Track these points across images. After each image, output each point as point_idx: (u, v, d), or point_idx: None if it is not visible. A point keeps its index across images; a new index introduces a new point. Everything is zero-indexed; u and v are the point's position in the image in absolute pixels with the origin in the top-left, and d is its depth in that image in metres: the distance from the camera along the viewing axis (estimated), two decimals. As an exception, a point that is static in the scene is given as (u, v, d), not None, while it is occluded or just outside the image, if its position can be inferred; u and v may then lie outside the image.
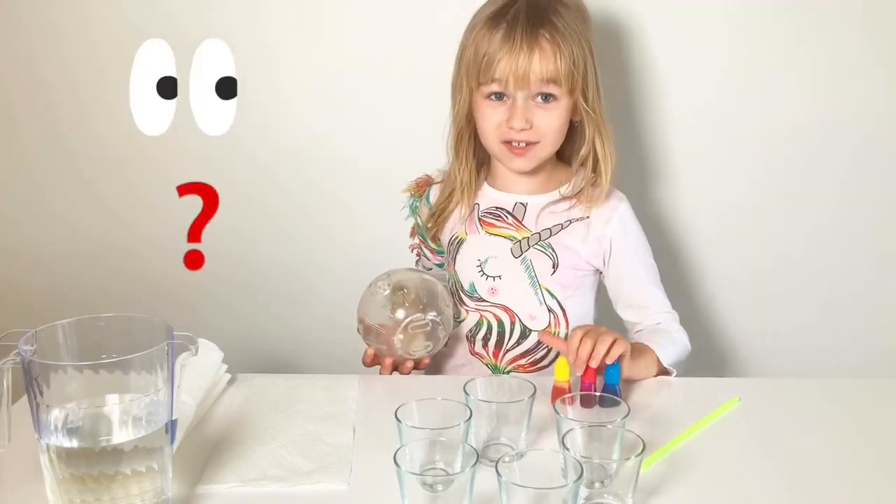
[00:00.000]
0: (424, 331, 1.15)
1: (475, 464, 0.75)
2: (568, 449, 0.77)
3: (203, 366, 1.02)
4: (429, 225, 1.31)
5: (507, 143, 1.18)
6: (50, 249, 1.63)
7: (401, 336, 1.14)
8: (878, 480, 0.87)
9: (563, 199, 1.23)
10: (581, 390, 0.99)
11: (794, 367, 1.57)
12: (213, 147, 1.55)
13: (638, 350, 1.11)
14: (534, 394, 0.89)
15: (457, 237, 1.27)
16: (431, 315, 1.15)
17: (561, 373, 1.00)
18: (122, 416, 0.75)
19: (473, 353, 1.26)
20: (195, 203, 1.58)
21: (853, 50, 1.42)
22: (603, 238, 1.22)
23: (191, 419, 0.96)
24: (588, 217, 1.22)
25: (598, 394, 0.94)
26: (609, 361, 1.01)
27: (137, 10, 1.48)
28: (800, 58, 1.44)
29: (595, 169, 1.21)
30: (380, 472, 0.84)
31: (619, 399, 0.93)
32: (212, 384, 1.04)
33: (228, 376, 1.10)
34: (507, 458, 0.77)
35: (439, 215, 1.29)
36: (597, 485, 0.79)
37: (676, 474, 0.87)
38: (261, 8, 1.47)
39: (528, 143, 1.18)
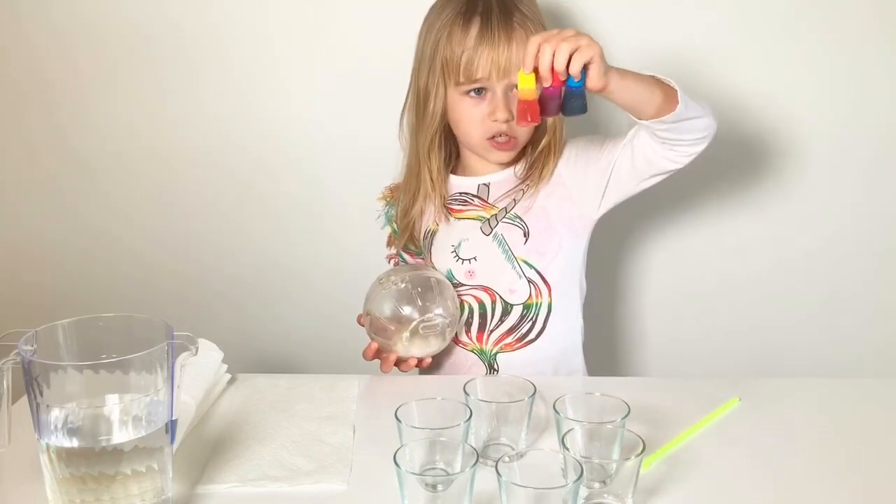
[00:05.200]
0: (434, 331, 1.14)
1: (475, 464, 0.75)
2: (568, 449, 0.77)
3: (203, 366, 1.02)
4: (404, 238, 1.30)
5: (491, 138, 1.19)
6: (50, 249, 1.63)
7: (408, 334, 1.13)
8: (879, 480, 0.87)
9: (521, 180, 1.23)
10: (540, 102, 0.93)
11: (794, 366, 1.57)
12: (215, 147, 1.55)
13: (627, 70, 1.01)
14: (534, 394, 0.89)
15: (429, 230, 1.27)
16: (442, 314, 1.14)
17: (523, 81, 0.91)
18: (122, 416, 0.75)
19: (457, 342, 1.24)
20: (195, 202, 1.58)
21: (860, 51, 1.42)
22: (561, 177, 1.21)
23: (191, 419, 0.96)
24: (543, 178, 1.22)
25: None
26: (574, 71, 0.91)
27: (138, 9, 1.48)
28: (806, 58, 1.44)
29: (548, 153, 1.21)
30: (380, 472, 0.84)
31: (584, 101, 0.90)
32: (212, 384, 1.04)
33: (228, 376, 1.10)
34: (507, 458, 0.77)
35: (410, 223, 1.27)
36: (597, 485, 0.79)
37: (676, 474, 0.87)
38: (261, 7, 1.47)
39: (511, 138, 1.18)
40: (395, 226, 1.33)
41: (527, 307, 1.22)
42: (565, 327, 1.24)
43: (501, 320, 1.22)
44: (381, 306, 1.14)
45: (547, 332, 1.22)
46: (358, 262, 1.57)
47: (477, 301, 1.23)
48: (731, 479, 0.86)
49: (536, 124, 0.98)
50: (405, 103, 1.26)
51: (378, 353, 1.18)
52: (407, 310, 1.13)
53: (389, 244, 1.36)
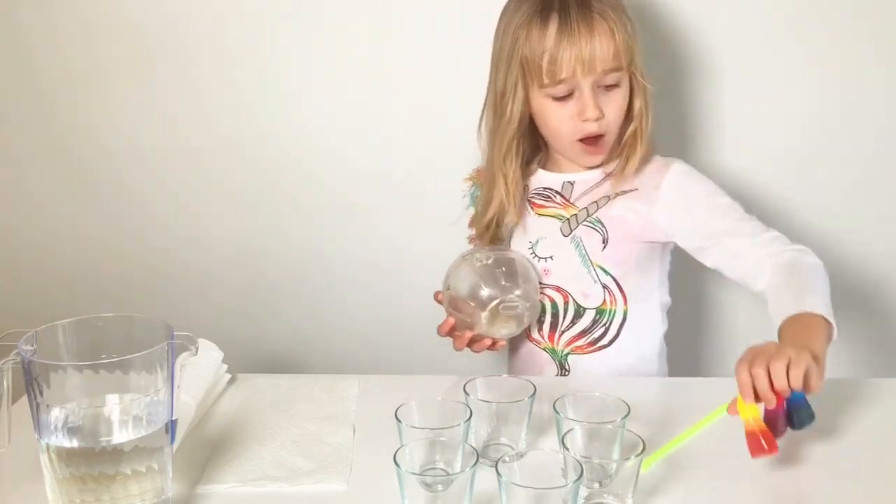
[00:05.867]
0: (514, 313, 1.12)
1: (475, 464, 0.75)
2: (568, 449, 0.77)
3: (203, 366, 1.02)
4: (485, 239, 1.27)
5: (582, 140, 1.16)
6: (50, 250, 1.62)
7: (488, 314, 1.11)
8: (879, 480, 0.87)
9: (607, 176, 1.20)
10: (766, 419, 0.86)
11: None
12: (213, 148, 1.54)
13: (803, 329, 0.95)
14: (534, 394, 0.89)
15: (509, 221, 1.25)
16: (524, 298, 1.12)
17: (745, 411, 0.84)
18: (122, 416, 0.75)
19: (531, 339, 1.23)
20: (195, 203, 1.58)
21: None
22: (654, 205, 1.16)
23: (191, 419, 0.96)
24: (636, 189, 1.18)
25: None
26: (796, 387, 0.84)
27: (140, 10, 1.48)
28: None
29: (634, 142, 1.18)
30: (380, 472, 0.84)
31: (811, 409, 0.85)
32: (212, 384, 1.04)
33: (228, 376, 1.10)
34: (507, 458, 0.77)
35: (487, 225, 1.25)
36: (597, 485, 0.79)
37: (676, 474, 0.87)
38: (272, 8, 1.47)
39: (600, 137, 1.15)
40: (478, 209, 1.30)
41: (600, 312, 1.19)
42: (641, 338, 1.21)
43: (573, 322, 1.20)
44: (463, 283, 1.13)
45: (620, 341, 1.19)
46: (359, 261, 1.57)
47: (550, 300, 1.21)
48: (731, 479, 0.86)
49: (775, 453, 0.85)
50: (485, 104, 1.24)
51: (452, 331, 1.16)
52: (489, 289, 1.11)
53: (471, 225, 1.33)
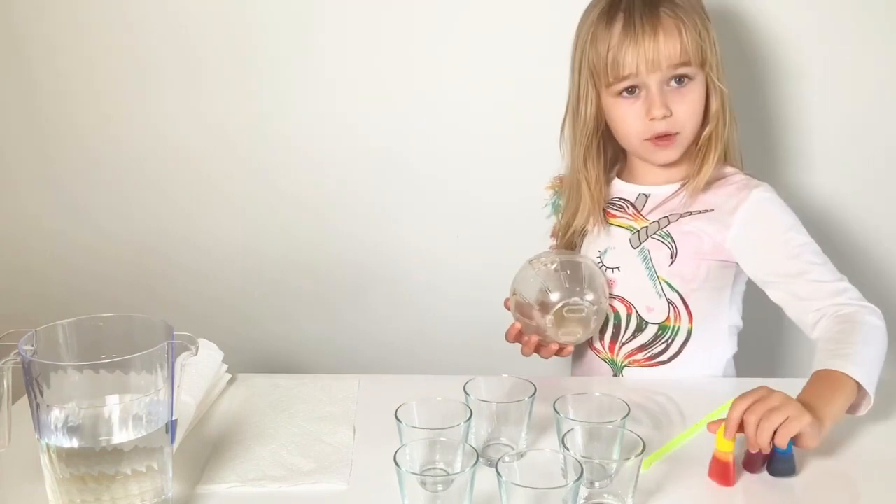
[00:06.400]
0: (579, 316, 1.11)
1: (475, 464, 0.75)
2: (568, 449, 0.77)
3: (203, 366, 1.02)
4: (570, 242, 1.25)
5: (650, 139, 1.14)
6: (50, 250, 1.63)
7: (553, 318, 1.10)
8: (878, 480, 0.87)
9: (683, 186, 1.18)
10: (745, 460, 0.87)
11: (794, 367, 1.57)
12: (214, 147, 1.54)
13: (827, 386, 0.94)
14: (534, 394, 0.89)
15: (582, 227, 1.24)
16: (589, 302, 1.11)
17: (720, 442, 0.85)
18: (122, 416, 0.75)
19: (591, 348, 1.22)
20: (195, 203, 1.58)
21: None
22: (726, 230, 1.13)
23: (191, 419, 0.96)
24: (712, 210, 1.15)
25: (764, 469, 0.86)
26: (780, 445, 0.85)
27: (138, 12, 1.48)
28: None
29: (708, 146, 1.15)
30: (380, 472, 0.85)
31: (793, 465, 0.86)
32: (212, 384, 1.04)
33: (228, 376, 1.10)
34: (507, 458, 0.77)
35: (573, 235, 1.24)
36: (597, 485, 0.79)
37: (676, 474, 0.87)
38: (275, 6, 1.46)
39: (671, 134, 1.13)
40: (560, 217, 1.29)
41: (663, 328, 1.17)
42: (704, 359, 1.18)
43: (634, 336, 1.18)
44: (528, 287, 1.13)
45: (681, 359, 1.17)
46: (359, 262, 1.57)
47: (613, 311, 1.19)
48: (731, 479, 0.86)
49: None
50: (566, 110, 1.23)
51: (519, 336, 1.15)
52: (553, 292, 1.11)
53: (554, 235, 1.31)
